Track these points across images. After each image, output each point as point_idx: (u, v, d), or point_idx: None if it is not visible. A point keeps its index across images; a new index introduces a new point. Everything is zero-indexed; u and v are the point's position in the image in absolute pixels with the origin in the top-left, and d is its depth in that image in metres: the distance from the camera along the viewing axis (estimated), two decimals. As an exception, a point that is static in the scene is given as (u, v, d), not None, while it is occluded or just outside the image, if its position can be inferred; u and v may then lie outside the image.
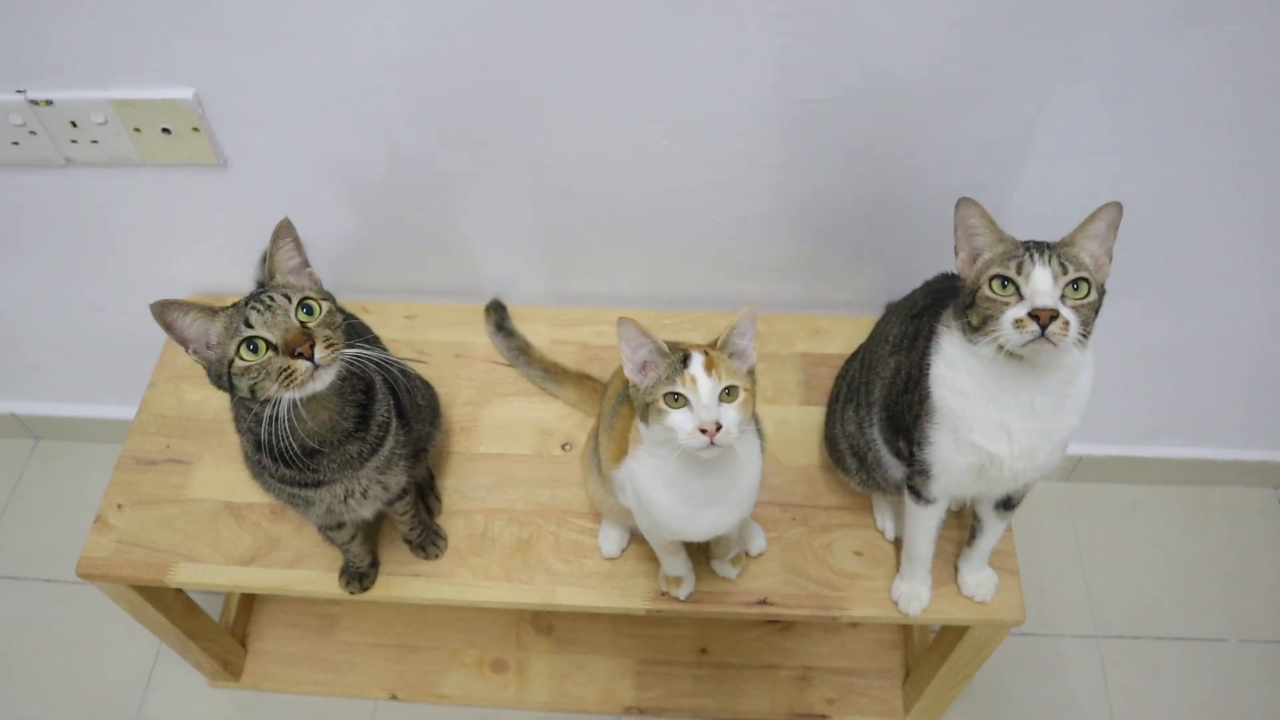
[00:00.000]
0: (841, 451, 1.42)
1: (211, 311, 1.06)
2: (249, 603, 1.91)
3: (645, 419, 1.09)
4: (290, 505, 1.24)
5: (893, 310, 1.39)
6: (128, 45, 1.36)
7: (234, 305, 1.07)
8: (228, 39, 1.34)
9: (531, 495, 1.50)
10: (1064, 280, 1.05)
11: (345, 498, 1.21)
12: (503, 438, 1.56)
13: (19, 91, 1.42)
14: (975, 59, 1.29)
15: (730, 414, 1.04)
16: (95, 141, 1.48)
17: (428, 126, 1.44)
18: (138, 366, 1.89)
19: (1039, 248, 1.08)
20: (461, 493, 1.51)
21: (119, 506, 1.51)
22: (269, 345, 1.03)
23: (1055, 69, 1.30)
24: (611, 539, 1.43)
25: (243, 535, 1.48)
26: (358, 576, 1.40)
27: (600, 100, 1.38)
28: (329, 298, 1.10)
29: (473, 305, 1.70)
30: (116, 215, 1.62)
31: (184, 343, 1.06)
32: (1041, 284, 1.05)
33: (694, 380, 1.04)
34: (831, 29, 1.27)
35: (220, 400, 1.59)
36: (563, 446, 1.55)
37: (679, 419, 1.04)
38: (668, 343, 1.09)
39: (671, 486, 1.14)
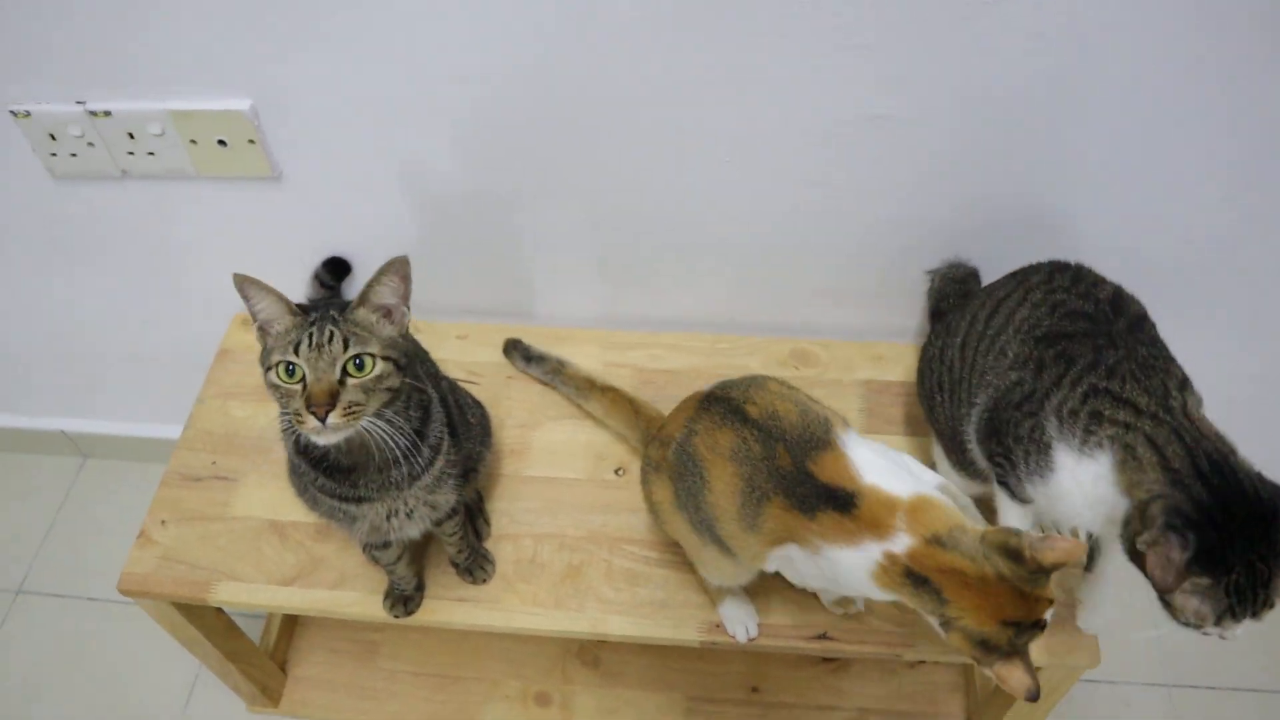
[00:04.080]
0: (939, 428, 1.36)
1: (288, 306, 1.05)
2: (290, 627, 1.88)
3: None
4: (334, 520, 1.20)
5: (989, 297, 1.29)
6: (186, 56, 1.35)
7: (306, 314, 1.05)
8: (285, 50, 1.32)
9: (583, 521, 1.45)
10: None
11: (389, 516, 1.17)
12: (554, 461, 1.52)
13: (78, 103, 1.42)
14: (1056, 75, 1.24)
15: None
16: (152, 153, 1.47)
17: (487, 141, 1.41)
18: (187, 384, 1.88)
19: None
20: (511, 516, 1.46)
21: (163, 523, 1.48)
22: (304, 380, 1.02)
23: (1143, 89, 1.24)
24: (738, 619, 1.34)
25: (286, 554, 1.44)
26: (403, 600, 1.36)
27: (664, 115, 1.34)
28: (393, 356, 1.07)
29: (525, 326, 1.67)
30: (170, 228, 1.61)
31: (253, 315, 1.06)
32: None
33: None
34: (907, 43, 1.22)
35: (266, 418, 1.59)
36: (616, 471, 1.50)
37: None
38: None
39: None
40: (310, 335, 1.02)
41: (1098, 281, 1.21)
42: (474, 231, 1.56)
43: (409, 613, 1.36)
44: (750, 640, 1.33)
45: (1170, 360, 1.13)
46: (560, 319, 1.68)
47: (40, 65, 1.38)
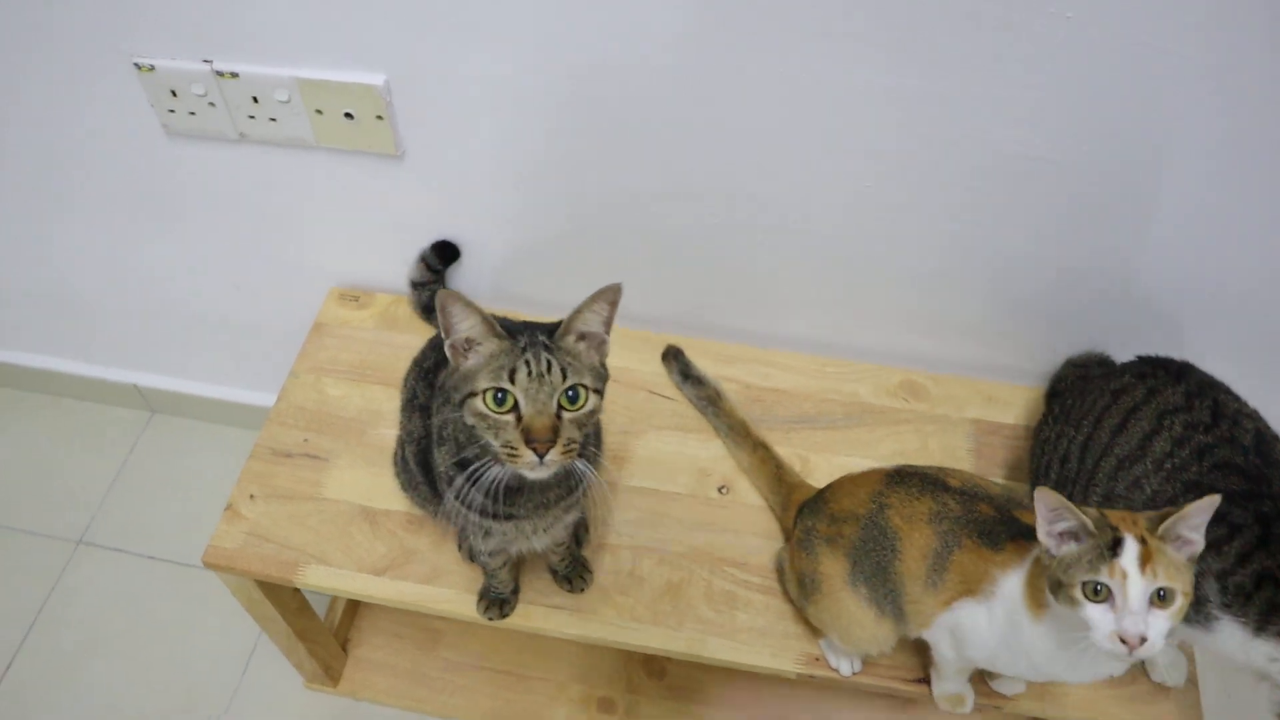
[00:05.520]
0: None
1: (492, 327, 0.99)
2: (353, 607, 1.85)
3: (1054, 593, 0.97)
4: (466, 529, 1.16)
5: (1114, 402, 1.27)
6: (322, 24, 1.31)
7: (514, 338, 0.99)
8: (425, 27, 1.28)
9: (684, 537, 1.41)
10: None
11: (531, 533, 1.14)
12: (656, 472, 1.48)
13: (205, 61, 1.38)
14: (1228, 134, 1.19)
15: (1160, 624, 0.91)
16: (273, 119, 1.43)
17: (617, 139, 1.37)
18: (265, 351, 1.87)
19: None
20: (610, 526, 1.43)
21: (251, 497, 1.45)
22: (516, 409, 0.97)
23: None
24: (844, 654, 1.31)
25: (377, 543, 1.41)
26: (499, 603, 1.33)
27: (811, 130, 1.30)
28: (600, 388, 1.02)
29: (633, 330, 1.63)
30: (278, 197, 1.58)
31: (448, 331, 1.00)
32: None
33: (1123, 574, 0.92)
34: (1080, 87, 1.17)
35: (362, 399, 1.55)
36: (720, 489, 1.46)
37: (1096, 615, 0.93)
38: (1091, 516, 0.95)
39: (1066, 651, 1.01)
40: (528, 363, 0.96)
41: (1238, 417, 1.19)
42: (586, 229, 1.52)
43: (504, 616, 1.33)
44: (854, 675, 1.30)
45: None
46: (666, 324, 1.64)
47: (170, 20, 1.34)
